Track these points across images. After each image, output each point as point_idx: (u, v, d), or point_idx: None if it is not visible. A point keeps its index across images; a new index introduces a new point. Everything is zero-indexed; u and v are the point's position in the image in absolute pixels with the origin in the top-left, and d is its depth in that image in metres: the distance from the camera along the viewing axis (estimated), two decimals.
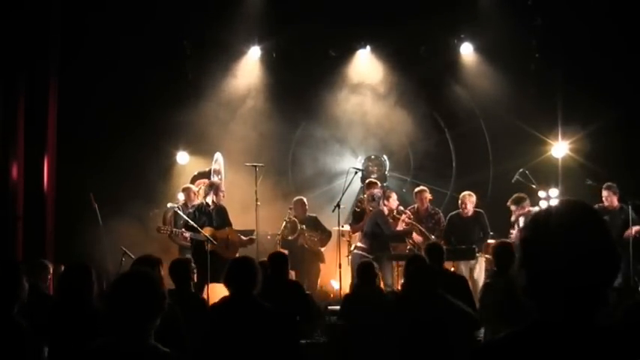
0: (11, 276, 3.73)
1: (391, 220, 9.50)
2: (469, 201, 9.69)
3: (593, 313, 1.70)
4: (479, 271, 9.36)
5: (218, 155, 10.83)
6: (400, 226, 9.47)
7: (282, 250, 8.38)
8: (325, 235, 10.45)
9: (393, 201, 9.70)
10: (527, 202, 9.60)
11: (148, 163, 10.77)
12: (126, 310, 2.71)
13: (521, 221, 9.38)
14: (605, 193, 9.44)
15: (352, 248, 9.60)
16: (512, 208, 9.59)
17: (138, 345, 2.68)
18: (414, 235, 9.50)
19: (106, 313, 2.78)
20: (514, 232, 9.42)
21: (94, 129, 10.71)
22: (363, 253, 8.99)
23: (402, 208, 9.78)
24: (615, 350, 1.68)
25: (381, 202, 9.47)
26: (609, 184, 9.50)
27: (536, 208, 9.58)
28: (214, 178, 10.44)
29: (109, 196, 10.16)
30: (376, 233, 9.21)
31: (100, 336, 2.79)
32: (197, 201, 9.74)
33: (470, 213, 9.68)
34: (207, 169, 10.84)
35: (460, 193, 9.98)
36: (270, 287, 6.19)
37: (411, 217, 9.67)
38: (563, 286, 1.68)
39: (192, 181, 10.69)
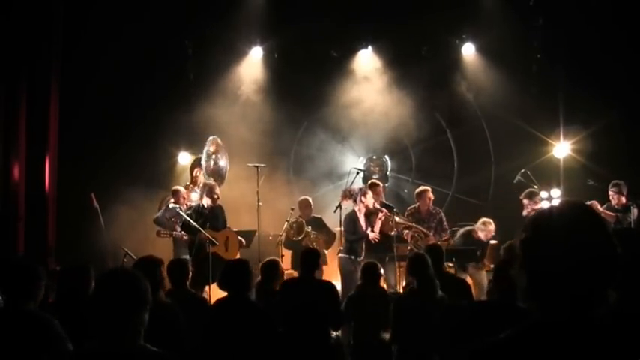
0: (29, 275, 3.93)
1: (373, 217, 9.41)
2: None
3: (593, 313, 1.70)
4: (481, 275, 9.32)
5: (212, 138, 10.58)
6: (377, 225, 9.33)
7: (312, 248, 8.12)
8: (330, 236, 10.44)
9: (369, 199, 9.37)
10: (540, 196, 9.54)
11: (150, 163, 10.79)
12: (106, 310, 2.63)
13: None
14: (611, 192, 9.29)
15: (337, 252, 9.54)
16: (525, 202, 9.48)
17: (125, 345, 2.61)
18: (371, 235, 9.19)
19: (90, 314, 2.70)
20: None
21: (95, 129, 10.72)
22: (346, 256, 8.99)
23: (378, 205, 9.60)
24: (615, 350, 1.68)
25: (358, 199, 9.37)
26: (615, 182, 9.33)
27: (546, 202, 9.58)
28: (210, 163, 10.30)
29: (110, 197, 10.17)
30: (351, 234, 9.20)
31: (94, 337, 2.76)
32: (192, 203, 9.73)
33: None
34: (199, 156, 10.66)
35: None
36: (299, 285, 6.17)
37: (388, 214, 9.51)
38: (563, 287, 1.69)
39: (192, 169, 10.61)
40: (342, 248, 9.31)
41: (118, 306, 2.62)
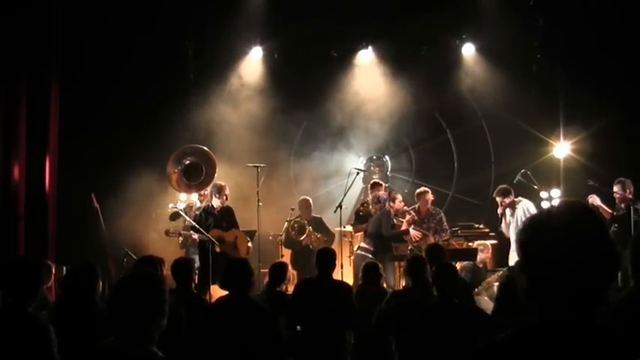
0: (31, 274, 3.89)
1: (397, 221, 9.50)
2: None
3: (593, 312, 1.70)
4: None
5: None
6: (404, 226, 9.47)
7: (329, 247, 8.15)
8: (330, 236, 10.44)
9: (399, 202, 9.70)
10: (512, 193, 9.54)
11: (150, 163, 10.77)
12: (127, 313, 2.68)
13: (508, 213, 9.38)
14: (615, 188, 9.21)
15: (355, 249, 9.61)
16: (498, 199, 9.52)
17: (136, 349, 2.65)
18: (412, 232, 9.44)
19: (108, 315, 2.75)
20: (503, 224, 9.46)
21: (95, 129, 10.71)
22: (367, 254, 8.99)
23: (406, 208, 9.80)
24: (616, 350, 1.68)
25: (387, 204, 9.48)
26: (620, 179, 9.25)
27: (521, 199, 9.56)
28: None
29: (110, 197, 10.17)
30: (380, 234, 9.22)
31: (102, 336, 2.78)
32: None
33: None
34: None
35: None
36: (316, 286, 6.16)
37: (415, 218, 9.67)
38: (563, 287, 1.69)
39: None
40: (364, 245, 9.33)
41: (139, 311, 2.67)
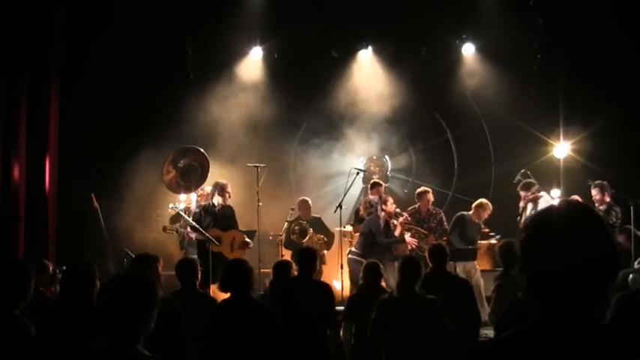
0: (18, 275, 3.82)
1: (394, 222, 9.47)
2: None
3: (594, 311, 1.70)
4: (477, 273, 9.33)
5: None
6: (398, 229, 9.42)
7: (309, 247, 8.13)
8: (330, 237, 10.43)
9: (391, 205, 9.61)
10: (537, 187, 9.60)
11: (150, 163, 10.78)
12: (115, 312, 2.63)
13: (530, 208, 9.39)
14: (593, 191, 9.28)
15: (347, 252, 9.56)
16: (522, 193, 9.57)
17: (123, 349, 2.60)
18: (409, 239, 9.43)
19: (97, 314, 2.70)
20: (522, 219, 9.48)
21: (95, 129, 10.72)
22: (358, 258, 8.98)
23: (398, 210, 9.72)
24: (616, 349, 1.68)
25: (378, 207, 9.43)
26: (598, 182, 9.35)
27: (544, 194, 9.61)
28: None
29: (110, 197, 10.17)
30: (370, 240, 9.19)
31: (99, 336, 2.76)
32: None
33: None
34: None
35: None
36: (296, 286, 6.15)
37: (409, 219, 9.64)
38: (563, 286, 1.69)
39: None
40: (354, 250, 9.30)
41: (127, 310, 2.62)
